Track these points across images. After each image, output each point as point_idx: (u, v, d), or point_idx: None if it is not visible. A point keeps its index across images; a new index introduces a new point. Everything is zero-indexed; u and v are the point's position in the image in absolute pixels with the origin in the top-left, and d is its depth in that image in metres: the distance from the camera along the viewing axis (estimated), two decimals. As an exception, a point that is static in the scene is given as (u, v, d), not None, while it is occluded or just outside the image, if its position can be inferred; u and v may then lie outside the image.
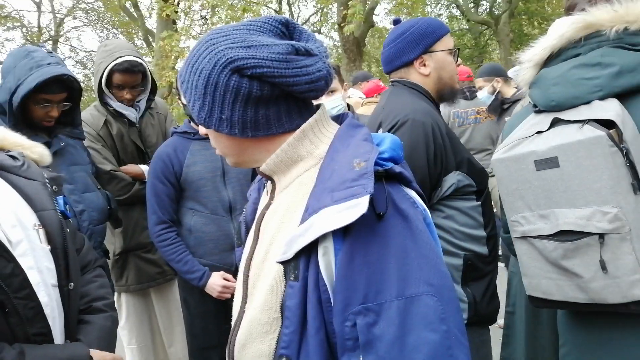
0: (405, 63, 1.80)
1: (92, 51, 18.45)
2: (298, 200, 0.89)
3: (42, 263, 1.24)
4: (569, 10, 1.54)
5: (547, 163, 1.23)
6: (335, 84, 2.45)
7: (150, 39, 14.89)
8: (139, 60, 2.46)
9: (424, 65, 1.79)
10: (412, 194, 0.90)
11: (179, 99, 2.32)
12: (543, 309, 1.95)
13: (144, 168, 2.57)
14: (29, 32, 18.34)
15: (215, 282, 2.18)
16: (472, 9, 17.43)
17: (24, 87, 1.88)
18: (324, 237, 0.79)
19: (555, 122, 1.26)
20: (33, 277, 1.20)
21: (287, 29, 0.91)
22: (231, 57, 0.83)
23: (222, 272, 2.21)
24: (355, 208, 0.75)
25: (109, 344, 1.38)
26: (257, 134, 0.88)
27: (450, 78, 1.83)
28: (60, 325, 1.27)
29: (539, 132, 1.27)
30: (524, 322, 2.04)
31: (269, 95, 0.84)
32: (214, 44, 0.86)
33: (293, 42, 0.85)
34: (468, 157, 1.74)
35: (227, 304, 2.25)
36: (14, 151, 1.39)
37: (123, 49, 2.46)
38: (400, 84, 1.83)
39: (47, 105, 1.99)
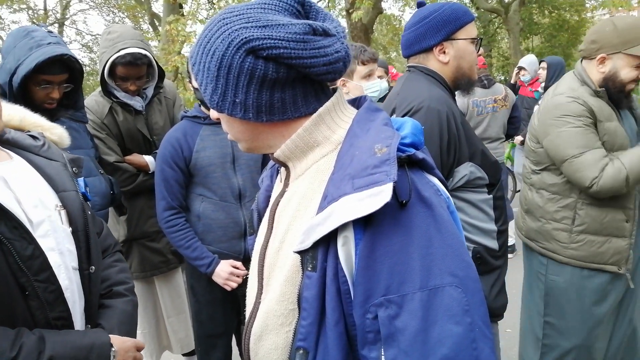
0: (425, 49, 1.74)
1: (98, 35, 18.34)
2: (315, 187, 0.86)
3: (64, 245, 1.20)
4: None
5: None
6: (373, 66, 2.45)
7: (157, 23, 14.81)
8: (143, 52, 2.36)
9: (444, 52, 1.73)
10: (435, 181, 0.86)
11: (190, 82, 2.28)
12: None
13: (149, 159, 2.54)
14: (35, 15, 18.25)
15: (223, 269, 2.16)
16: (482, -3, 17.19)
17: (23, 67, 1.83)
18: (344, 226, 0.76)
19: None
20: (54, 259, 1.16)
21: (302, 8, 0.86)
22: (246, 37, 0.78)
23: (230, 260, 2.19)
24: (377, 196, 0.72)
25: (130, 328, 1.36)
26: (272, 118, 0.84)
27: (470, 68, 1.77)
28: (80, 309, 1.24)
29: None
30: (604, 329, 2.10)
31: (285, 77, 0.80)
32: (227, 24, 0.81)
33: (310, 22, 0.81)
34: (482, 148, 1.69)
35: (234, 292, 2.23)
36: (34, 131, 1.36)
37: (127, 38, 2.36)
38: (417, 69, 1.78)
39: (47, 86, 1.94)
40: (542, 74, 5.44)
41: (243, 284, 2.19)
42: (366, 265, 0.75)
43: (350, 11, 10.64)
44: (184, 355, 2.86)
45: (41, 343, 1.08)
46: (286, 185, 0.93)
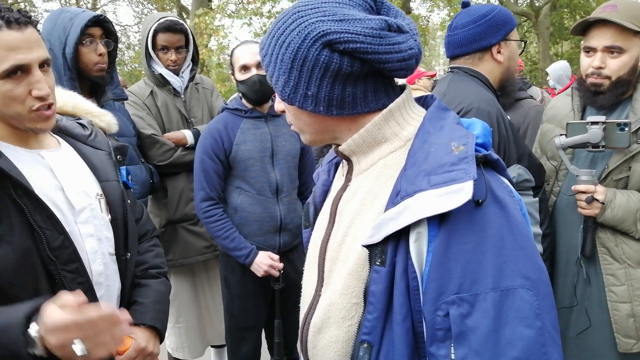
0: (484, 47, 1.72)
1: (127, 25, 18.68)
2: (381, 183, 0.86)
3: (102, 232, 1.26)
4: None
5: None
6: None
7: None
8: (181, 21, 2.55)
9: (500, 52, 1.72)
10: (507, 182, 0.86)
11: (232, 74, 2.30)
12: None
13: (187, 132, 2.51)
14: (67, 4, 18.60)
15: (262, 260, 2.16)
16: (512, 0, 16.92)
17: (71, 35, 1.94)
18: (417, 222, 0.76)
19: None
20: (91, 245, 1.22)
21: (375, 4, 0.87)
22: (323, 31, 0.78)
23: (268, 252, 2.20)
24: (457, 194, 0.72)
25: (163, 308, 1.40)
26: (342, 112, 0.85)
27: (515, 70, 1.81)
28: (117, 293, 1.30)
29: None
30: None
31: (359, 72, 0.81)
32: (302, 17, 0.81)
33: (386, 18, 0.81)
34: (528, 151, 1.69)
35: (267, 286, 2.25)
36: (84, 119, 1.42)
37: (166, 14, 2.59)
38: (462, 71, 1.77)
39: (92, 40, 2.02)
40: None
41: (278, 279, 2.20)
42: (440, 263, 0.75)
43: (379, 10, 10.59)
44: (212, 347, 2.84)
45: None
46: (348, 179, 0.93)
